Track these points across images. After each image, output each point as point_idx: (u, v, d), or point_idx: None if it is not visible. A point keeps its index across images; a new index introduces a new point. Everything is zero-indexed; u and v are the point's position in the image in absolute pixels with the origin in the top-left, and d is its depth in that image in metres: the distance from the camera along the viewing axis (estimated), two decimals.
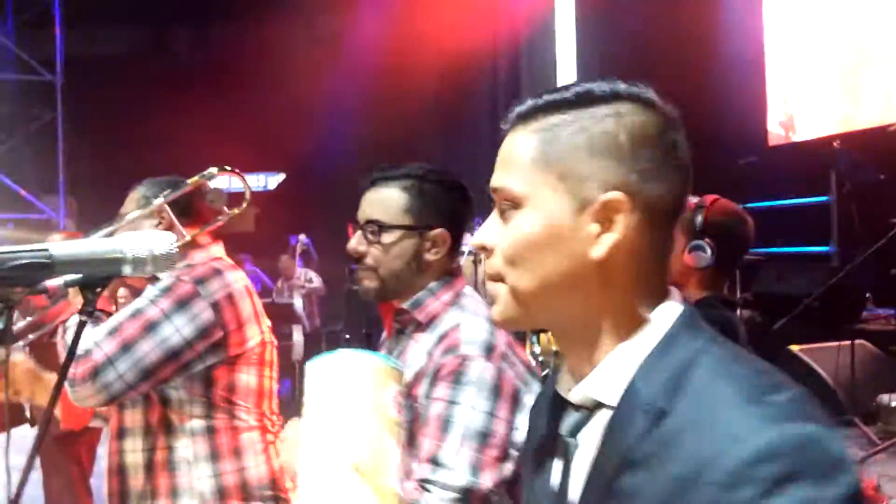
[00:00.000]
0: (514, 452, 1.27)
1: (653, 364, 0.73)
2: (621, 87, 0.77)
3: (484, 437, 1.25)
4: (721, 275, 2.02)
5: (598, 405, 0.76)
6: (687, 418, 0.68)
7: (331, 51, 8.55)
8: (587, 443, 0.76)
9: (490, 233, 0.80)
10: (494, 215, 0.81)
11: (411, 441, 1.27)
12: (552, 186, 0.75)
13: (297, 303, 7.69)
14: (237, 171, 1.89)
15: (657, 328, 0.75)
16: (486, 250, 0.80)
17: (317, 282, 8.24)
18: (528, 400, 1.27)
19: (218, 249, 1.88)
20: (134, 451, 1.75)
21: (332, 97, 9.05)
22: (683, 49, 7.85)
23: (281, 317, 6.19)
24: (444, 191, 1.46)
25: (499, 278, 0.79)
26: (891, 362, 4.77)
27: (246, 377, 1.77)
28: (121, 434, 1.78)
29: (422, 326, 1.42)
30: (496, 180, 0.79)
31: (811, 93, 7.61)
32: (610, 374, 0.75)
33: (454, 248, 1.47)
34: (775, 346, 5.12)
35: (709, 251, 1.92)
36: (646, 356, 0.74)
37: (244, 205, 1.86)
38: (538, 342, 4.80)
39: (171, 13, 10.58)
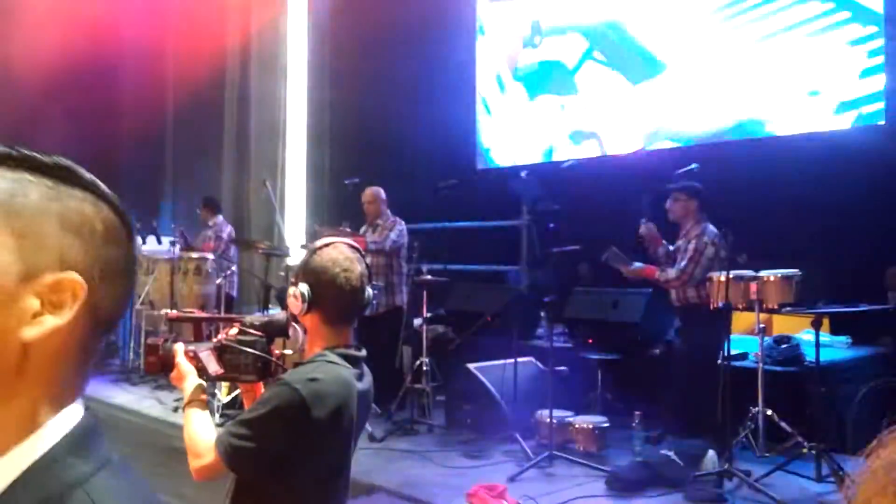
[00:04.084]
0: None
1: (31, 479, 0.63)
2: (100, 184, 0.71)
3: None
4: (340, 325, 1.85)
5: None
6: None
7: None
8: None
9: None
10: None
11: None
12: (2, 241, 0.64)
13: None
14: None
15: (50, 437, 0.66)
16: None
17: None
18: None
19: None
20: None
21: None
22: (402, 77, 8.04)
23: None
24: None
25: None
26: (552, 379, 5.17)
27: None
28: None
29: None
30: None
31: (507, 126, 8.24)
32: None
33: None
34: (458, 362, 5.34)
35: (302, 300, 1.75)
36: (25, 469, 0.64)
37: None
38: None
39: None
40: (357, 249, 1.86)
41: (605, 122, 7.35)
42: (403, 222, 5.69)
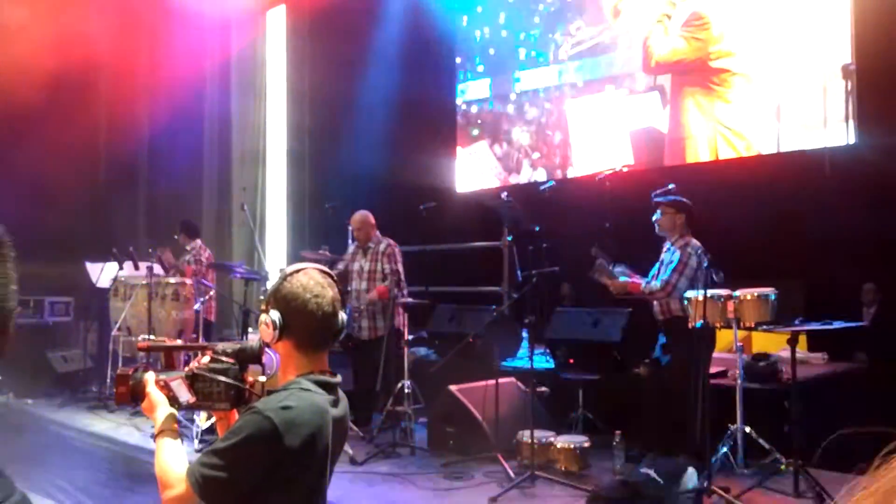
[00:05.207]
0: None
1: None
2: None
3: None
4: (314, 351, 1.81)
5: None
6: None
7: None
8: None
9: None
10: None
11: None
12: None
13: None
14: None
15: None
16: None
17: None
18: None
19: None
20: None
21: None
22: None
23: None
24: None
25: None
26: (533, 399, 5.16)
27: None
28: None
29: None
30: None
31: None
32: None
33: None
34: (439, 384, 5.31)
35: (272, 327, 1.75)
36: None
37: None
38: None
39: None
40: (329, 274, 1.85)
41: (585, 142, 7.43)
42: (394, 242, 5.64)
